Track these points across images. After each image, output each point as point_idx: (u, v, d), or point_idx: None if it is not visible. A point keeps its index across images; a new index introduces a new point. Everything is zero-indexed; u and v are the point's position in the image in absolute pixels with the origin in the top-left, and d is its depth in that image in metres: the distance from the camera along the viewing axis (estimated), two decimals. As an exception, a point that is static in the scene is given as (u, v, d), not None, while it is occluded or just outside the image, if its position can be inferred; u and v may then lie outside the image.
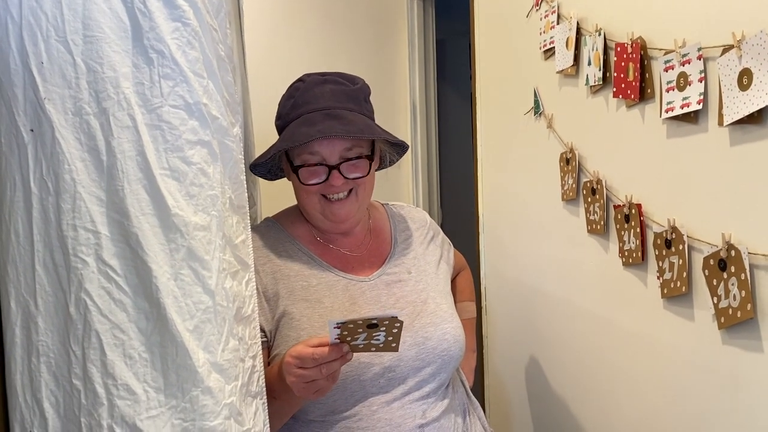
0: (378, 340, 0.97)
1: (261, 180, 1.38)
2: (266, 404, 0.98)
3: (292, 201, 1.32)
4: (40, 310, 0.83)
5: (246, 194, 1.03)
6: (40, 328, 0.83)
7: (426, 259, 1.32)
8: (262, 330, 1.13)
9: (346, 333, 0.94)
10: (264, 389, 0.98)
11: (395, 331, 0.95)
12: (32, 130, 0.83)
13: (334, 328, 0.93)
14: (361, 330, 0.94)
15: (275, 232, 1.27)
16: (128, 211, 0.82)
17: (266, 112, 1.42)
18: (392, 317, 0.93)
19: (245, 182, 1.03)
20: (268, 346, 1.17)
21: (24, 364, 0.84)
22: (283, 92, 1.26)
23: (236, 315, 0.89)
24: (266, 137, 1.34)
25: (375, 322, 0.93)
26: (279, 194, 1.49)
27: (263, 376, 0.99)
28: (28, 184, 0.83)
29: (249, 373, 0.92)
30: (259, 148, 1.37)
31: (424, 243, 1.35)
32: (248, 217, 1.03)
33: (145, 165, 0.83)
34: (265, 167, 1.28)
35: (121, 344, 0.82)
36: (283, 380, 1.01)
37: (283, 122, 1.22)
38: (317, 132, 1.12)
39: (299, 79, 1.24)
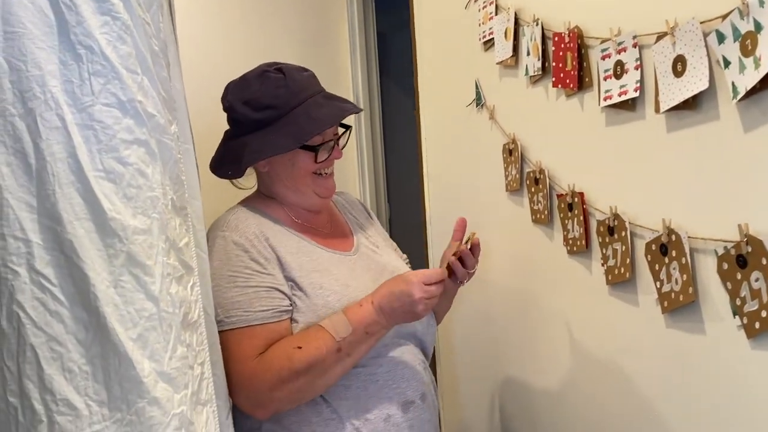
0: None
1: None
2: (216, 412, 0.95)
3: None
4: (-32, 326, 0.78)
5: (186, 195, 1.00)
6: (-31, 345, 0.78)
7: (376, 230, 1.43)
8: (285, 294, 1.15)
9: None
10: (213, 396, 0.95)
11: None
12: (-51, 135, 0.77)
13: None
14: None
15: (257, 217, 1.25)
16: (61, 217, 0.77)
17: (201, 109, 1.39)
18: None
19: (185, 182, 0.99)
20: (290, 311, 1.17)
21: (-46, 383, 0.79)
22: (220, 87, 1.26)
23: (183, 321, 0.86)
24: (200, 134, 1.30)
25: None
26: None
27: (212, 383, 0.96)
28: (-52, 194, 0.77)
29: (198, 381, 0.89)
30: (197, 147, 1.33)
31: (367, 218, 1.45)
32: (189, 219, 0.99)
33: (77, 167, 0.78)
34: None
35: (59, 357, 0.77)
36: (380, 313, 1.10)
37: (280, 111, 1.20)
38: (340, 110, 1.21)
39: (276, 70, 1.23)
